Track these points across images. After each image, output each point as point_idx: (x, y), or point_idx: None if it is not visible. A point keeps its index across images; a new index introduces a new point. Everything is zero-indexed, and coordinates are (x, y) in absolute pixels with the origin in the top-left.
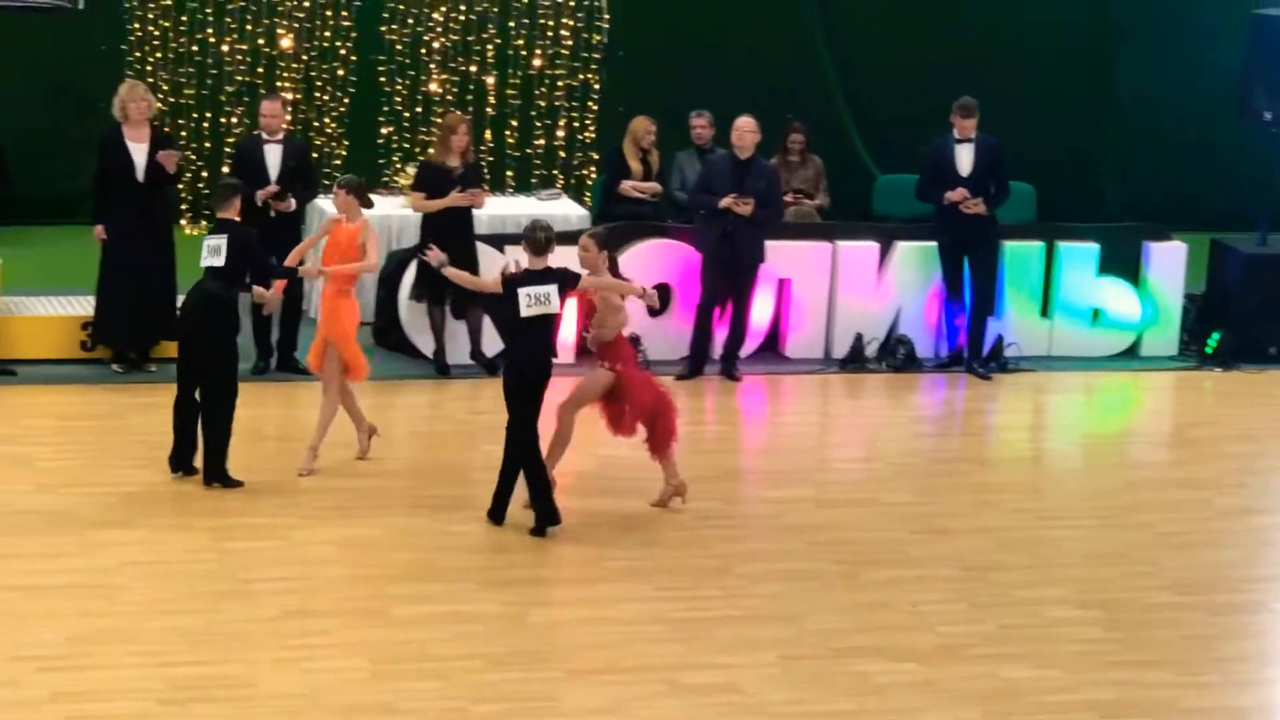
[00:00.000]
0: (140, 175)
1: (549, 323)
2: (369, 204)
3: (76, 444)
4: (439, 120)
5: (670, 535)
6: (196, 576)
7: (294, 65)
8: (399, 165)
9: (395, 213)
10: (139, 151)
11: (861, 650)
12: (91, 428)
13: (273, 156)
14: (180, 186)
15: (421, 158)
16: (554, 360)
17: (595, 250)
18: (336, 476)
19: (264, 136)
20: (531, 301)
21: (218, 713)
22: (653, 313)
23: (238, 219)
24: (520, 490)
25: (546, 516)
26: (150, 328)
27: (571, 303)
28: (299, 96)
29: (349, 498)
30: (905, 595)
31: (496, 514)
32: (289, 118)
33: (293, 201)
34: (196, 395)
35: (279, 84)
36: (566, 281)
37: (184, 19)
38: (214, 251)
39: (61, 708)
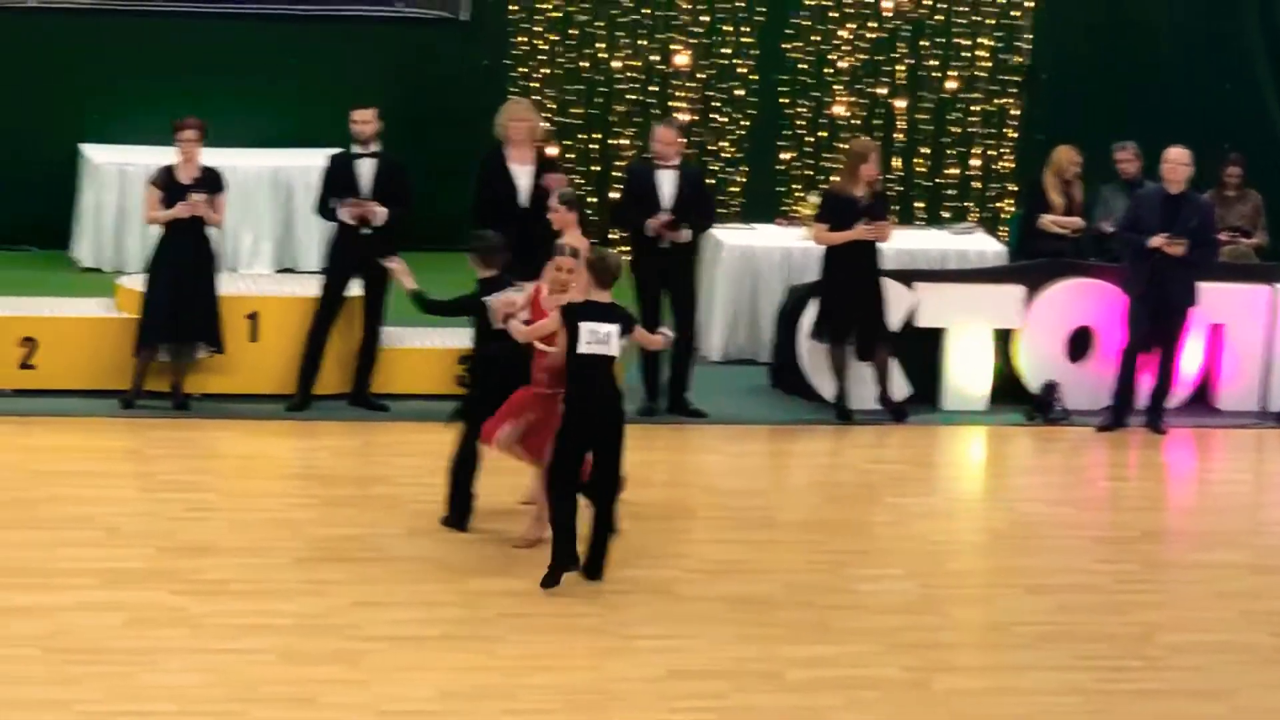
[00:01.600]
0: (523, 201)
1: (609, 363)
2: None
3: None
4: (845, 146)
5: (1086, 599)
6: (577, 631)
7: (690, 84)
8: (800, 194)
9: (796, 245)
10: (522, 175)
11: None
12: None
13: (666, 183)
14: None
15: (824, 186)
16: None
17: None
18: (728, 528)
19: (657, 161)
20: (591, 339)
21: None
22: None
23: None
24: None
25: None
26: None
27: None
28: (695, 118)
29: (740, 551)
30: None
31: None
32: (683, 141)
33: (687, 232)
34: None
35: (673, 104)
36: (627, 324)
37: (573, 33)
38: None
39: None
